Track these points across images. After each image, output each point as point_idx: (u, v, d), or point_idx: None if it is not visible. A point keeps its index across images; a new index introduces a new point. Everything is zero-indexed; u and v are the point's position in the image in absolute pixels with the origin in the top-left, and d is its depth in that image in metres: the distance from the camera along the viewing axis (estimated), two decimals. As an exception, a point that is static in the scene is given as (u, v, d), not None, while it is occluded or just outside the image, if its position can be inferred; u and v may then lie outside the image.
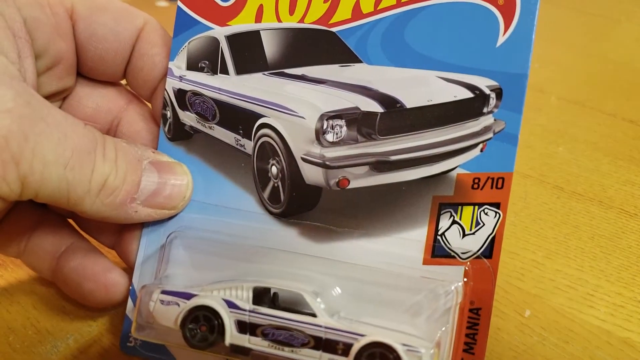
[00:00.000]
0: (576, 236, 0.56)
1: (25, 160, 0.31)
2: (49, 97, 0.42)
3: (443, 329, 0.36)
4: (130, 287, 0.42)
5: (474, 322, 0.38)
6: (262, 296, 0.36)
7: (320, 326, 0.34)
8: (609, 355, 0.45)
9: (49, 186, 0.33)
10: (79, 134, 0.34)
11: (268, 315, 0.35)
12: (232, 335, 0.35)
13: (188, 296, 0.36)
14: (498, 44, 0.38)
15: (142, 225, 0.42)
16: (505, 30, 0.38)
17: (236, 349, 0.35)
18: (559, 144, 0.69)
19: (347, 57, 0.41)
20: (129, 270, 0.42)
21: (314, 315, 0.35)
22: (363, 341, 0.34)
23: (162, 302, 0.36)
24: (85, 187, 0.35)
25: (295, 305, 0.36)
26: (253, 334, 0.35)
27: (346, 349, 0.34)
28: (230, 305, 0.36)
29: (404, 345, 0.33)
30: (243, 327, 0.35)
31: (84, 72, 0.44)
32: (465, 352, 0.38)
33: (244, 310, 0.35)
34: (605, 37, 0.92)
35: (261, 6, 0.41)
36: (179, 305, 0.36)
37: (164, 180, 0.39)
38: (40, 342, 0.44)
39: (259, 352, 0.35)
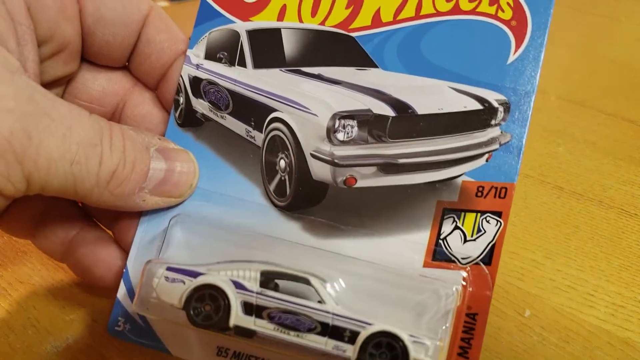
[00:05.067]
0: (576, 236, 0.56)
1: (29, 159, 0.31)
2: (54, 82, 0.41)
3: (444, 327, 0.37)
4: (125, 270, 0.41)
5: (470, 327, 0.38)
6: (270, 279, 0.36)
7: (328, 312, 0.34)
8: (609, 355, 0.45)
9: (55, 182, 0.33)
10: (84, 126, 0.34)
11: (275, 298, 0.35)
12: (237, 317, 0.35)
13: (194, 274, 0.36)
14: (509, 61, 0.40)
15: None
16: (516, 50, 0.40)
17: (240, 331, 0.35)
18: (559, 144, 0.68)
19: (363, 61, 0.42)
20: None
21: (321, 301, 0.35)
22: (370, 329, 0.34)
23: (167, 278, 0.36)
24: (93, 179, 0.34)
25: (303, 291, 0.35)
26: (259, 316, 0.34)
27: (353, 336, 0.34)
28: (238, 286, 0.35)
29: (411, 336, 0.34)
30: (249, 308, 0.35)
31: (88, 57, 0.43)
32: (460, 356, 0.38)
33: (252, 291, 0.35)
34: (605, 37, 0.92)
35: (284, 6, 0.43)
36: (184, 282, 0.35)
37: (172, 168, 0.39)
38: (40, 342, 0.43)
39: (264, 335, 0.34)
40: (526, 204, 0.60)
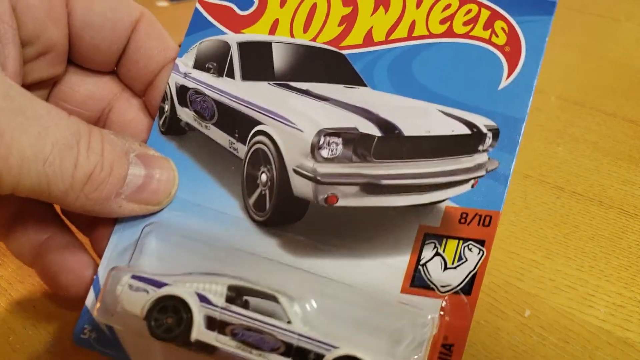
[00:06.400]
0: (576, 236, 0.56)
1: (0, 157, 0.30)
2: (39, 84, 0.41)
3: (416, 357, 0.35)
4: (95, 278, 0.40)
5: (444, 358, 0.37)
6: (237, 295, 0.35)
7: (294, 332, 0.33)
8: (608, 355, 0.45)
9: (27, 182, 0.32)
10: (61, 127, 0.33)
11: (240, 314, 0.33)
12: (199, 331, 0.33)
13: (159, 284, 0.35)
14: (500, 87, 0.39)
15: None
16: (509, 76, 0.39)
17: (201, 346, 0.34)
18: (559, 144, 0.69)
19: (353, 79, 0.41)
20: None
21: (288, 320, 0.34)
22: (336, 353, 0.32)
23: (130, 286, 0.35)
24: (68, 182, 0.33)
25: (271, 309, 0.34)
26: (222, 332, 0.33)
27: (317, 359, 0.32)
28: (202, 299, 0.34)
29: (377, 361, 0.32)
30: (212, 323, 0.33)
31: (75, 60, 0.43)
32: (434, 387, 0.36)
33: (216, 306, 0.34)
34: (605, 37, 0.92)
35: (277, 20, 0.42)
36: (147, 292, 0.34)
37: (151, 174, 0.38)
38: (40, 342, 0.43)
39: (226, 352, 0.33)
40: (526, 204, 0.60)
